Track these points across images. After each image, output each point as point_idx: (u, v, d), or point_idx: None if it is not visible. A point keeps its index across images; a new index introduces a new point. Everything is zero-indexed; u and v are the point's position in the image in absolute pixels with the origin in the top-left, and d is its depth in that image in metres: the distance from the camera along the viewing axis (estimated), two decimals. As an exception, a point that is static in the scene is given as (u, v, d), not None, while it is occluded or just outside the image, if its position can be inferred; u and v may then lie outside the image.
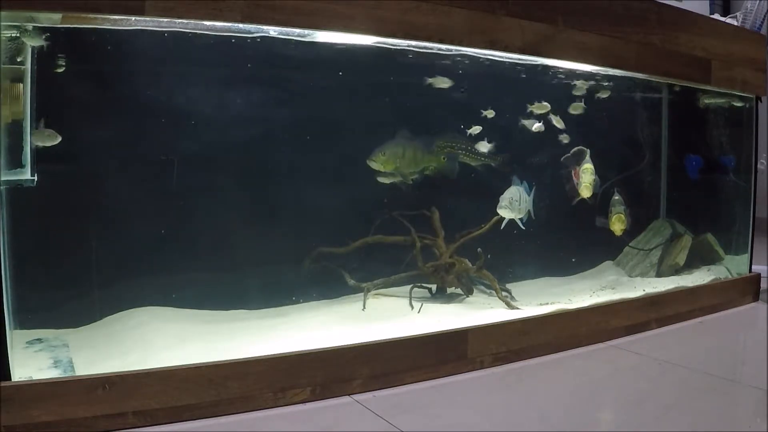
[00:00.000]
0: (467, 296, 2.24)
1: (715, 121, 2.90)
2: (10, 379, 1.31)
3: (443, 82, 2.08)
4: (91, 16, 1.42)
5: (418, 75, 2.10)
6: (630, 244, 2.79)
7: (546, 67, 2.18)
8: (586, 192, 2.25)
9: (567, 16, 1.95)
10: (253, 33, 1.62)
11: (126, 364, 1.44)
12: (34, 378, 1.36)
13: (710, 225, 2.83)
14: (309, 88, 2.10)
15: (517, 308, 2.08)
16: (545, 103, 2.24)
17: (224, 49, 1.74)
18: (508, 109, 2.29)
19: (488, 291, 2.27)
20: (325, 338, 1.66)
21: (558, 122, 2.27)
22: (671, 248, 2.73)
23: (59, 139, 1.56)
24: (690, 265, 2.70)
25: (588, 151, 2.31)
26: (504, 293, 2.19)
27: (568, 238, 2.58)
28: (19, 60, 1.55)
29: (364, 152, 2.07)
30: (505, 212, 2.08)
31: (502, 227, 2.13)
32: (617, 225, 2.36)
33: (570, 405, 1.58)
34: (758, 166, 2.70)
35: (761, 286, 2.67)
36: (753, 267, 2.71)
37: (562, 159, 2.33)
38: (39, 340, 1.68)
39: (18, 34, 1.47)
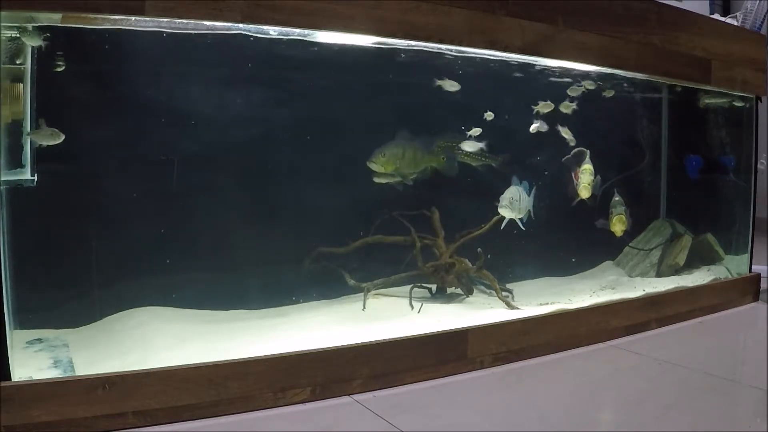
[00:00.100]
0: (467, 296, 2.24)
1: (715, 121, 2.91)
2: (10, 379, 1.31)
3: (451, 86, 2.08)
4: (91, 16, 1.42)
5: (418, 75, 2.10)
6: (630, 244, 2.79)
7: (545, 68, 2.19)
8: (584, 192, 2.25)
9: (567, 16, 1.95)
10: (252, 33, 1.62)
11: (126, 364, 1.44)
12: (34, 378, 1.36)
13: (710, 225, 2.83)
14: (309, 88, 2.10)
15: (517, 308, 2.08)
16: (549, 102, 2.24)
17: (224, 49, 1.74)
18: (508, 110, 2.29)
19: (488, 291, 2.27)
20: (325, 338, 1.66)
21: (566, 133, 2.27)
22: (671, 248, 2.73)
23: (62, 137, 1.56)
24: (690, 265, 2.70)
25: (588, 151, 2.31)
26: (505, 293, 2.19)
27: (568, 238, 2.58)
28: (18, 61, 1.55)
29: (364, 152, 2.07)
30: (506, 212, 2.08)
31: (502, 227, 2.13)
32: (618, 226, 2.36)
33: (570, 405, 1.58)
34: (758, 166, 2.70)
35: (761, 286, 2.67)
36: (753, 267, 2.71)
37: (563, 160, 2.33)
38: (39, 340, 1.68)
39: (18, 34, 1.47)
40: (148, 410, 1.37)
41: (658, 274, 2.66)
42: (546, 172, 2.41)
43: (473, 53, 1.91)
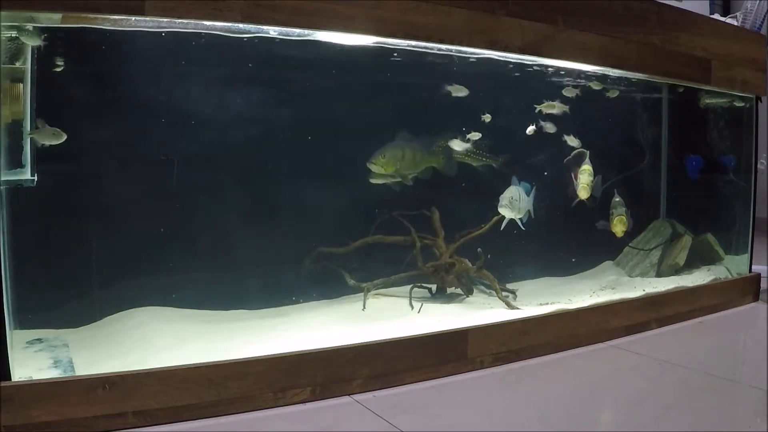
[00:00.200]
0: (467, 296, 2.24)
1: (715, 121, 2.90)
2: (10, 379, 1.31)
3: (460, 91, 2.08)
4: (91, 16, 1.42)
5: (418, 75, 2.10)
6: (630, 244, 2.79)
7: (546, 67, 2.19)
8: (583, 193, 2.25)
9: (567, 16, 1.95)
10: (252, 33, 1.62)
11: (126, 364, 1.44)
12: (34, 378, 1.36)
13: (710, 225, 2.83)
14: (308, 89, 2.10)
15: (517, 308, 2.08)
16: (552, 102, 2.24)
17: (224, 49, 1.74)
18: (508, 110, 2.29)
19: (488, 291, 2.28)
20: (325, 338, 1.66)
21: (572, 141, 2.27)
22: (671, 248, 2.73)
23: (64, 137, 1.56)
24: (690, 265, 2.70)
25: (587, 152, 2.31)
26: (505, 293, 2.19)
27: (568, 238, 2.58)
28: (18, 61, 1.55)
29: (364, 152, 2.07)
30: (506, 211, 2.08)
31: (502, 227, 2.13)
32: (619, 227, 2.36)
33: (570, 405, 1.58)
34: (758, 166, 2.70)
35: (761, 286, 2.67)
36: (753, 267, 2.71)
37: (564, 161, 2.33)
38: (39, 340, 1.68)
39: (17, 34, 1.47)
40: (148, 410, 1.37)
41: (658, 274, 2.66)
42: (546, 173, 2.41)
43: (473, 53, 1.91)
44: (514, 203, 2.07)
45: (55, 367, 1.49)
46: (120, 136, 1.84)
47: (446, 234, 2.24)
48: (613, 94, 2.43)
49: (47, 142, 1.56)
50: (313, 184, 2.12)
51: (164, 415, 1.38)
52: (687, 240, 2.73)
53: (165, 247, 1.90)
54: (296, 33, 1.65)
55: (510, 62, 2.02)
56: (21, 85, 1.58)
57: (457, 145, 2.16)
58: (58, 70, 1.69)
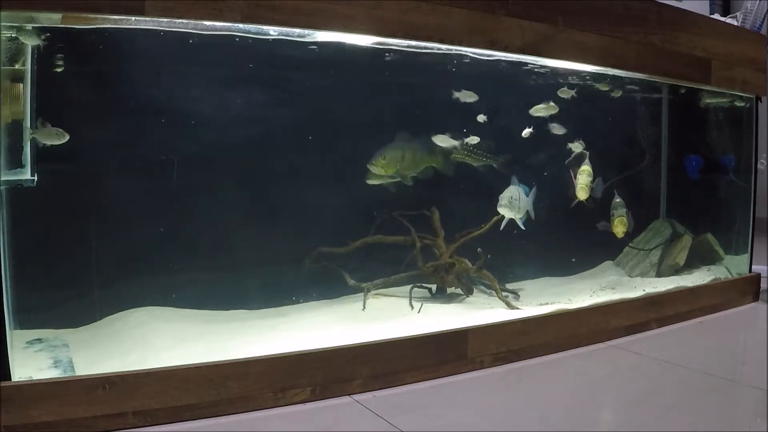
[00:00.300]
0: (467, 296, 2.24)
1: (715, 121, 2.90)
2: (10, 379, 1.31)
3: (469, 96, 2.08)
4: (91, 16, 1.42)
5: (418, 75, 2.10)
6: (630, 244, 2.79)
7: (547, 67, 2.19)
8: (582, 194, 2.25)
9: (567, 16, 1.95)
10: (252, 33, 1.62)
11: (126, 364, 1.44)
12: (34, 378, 1.36)
13: (710, 225, 2.83)
14: (309, 89, 2.10)
15: (517, 308, 2.08)
16: (552, 104, 2.24)
17: (224, 49, 1.74)
18: (508, 110, 2.29)
19: (488, 291, 2.27)
20: (325, 338, 1.66)
21: (577, 147, 2.27)
22: (671, 248, 2.73)
23: (67, 137, 1.56)
24: (690, 265, 2.70)
25: (587, 153, 2.31)
26: (505, 293, 2.19)
27: (568, 238, 2.58)
28: (18, 62, 1.55)
29: (364, 152, 2.07)
30: (505, 211, 2.08)
31: (501, 227, 2.13)
32: (620, 228, 2.36)
33: (570, 405, 1.58)
34: (758, 166, 2.70)
35: (761, 286, 2.67)
36: (753, 267, 2.71)
37: (566, 162, 2.33)
38: (39, 340, 1.68)
39: (16, 34, 1.47)
40: (148, 410, 1.37)
41: (658, 274, 2.66)
42: (545, 173, 2.41)
43: (472, 53, 1.91)
44: (513, 203, 2.07)
45: (55, 367, 1.49)
46: (120, 136, 1.84)
47: (446, 234, 2.24)
48: (616, 93, 2.43)
49: (50, 142, 1.56)
50: (313, 184, 2.12)
51: (164, 415, 1.38)
52: (687, 240, 2.73)
53: (165, 247, 1.90)
54: (296, 33, 1.65)
55: (510, 62, 2.02)
56: (21, 85, 1.58)
57: (442, 141, 2.15)
58: (58, 70, 1.69)
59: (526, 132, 2.23)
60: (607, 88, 2.36)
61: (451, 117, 2.24)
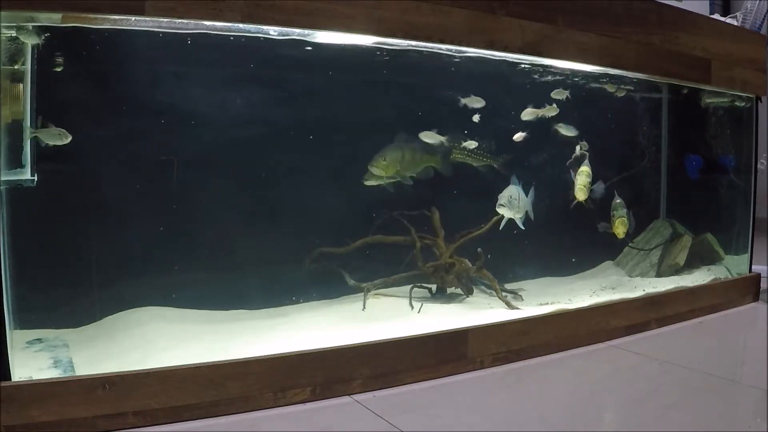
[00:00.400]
0: (467, 296, 2.24)
1: (715, 121, 2.90)
2: (10, 379, 1.31)
3: (477, 102, 2.08)
4: (91, 16, 1.42)
5: (418, 75, 2.10)
6: (630, 244, 2.79)
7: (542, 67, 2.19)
8: (580, 195, 2.25)
9: (567, 16, 1.95)
10: (253, 32, 1.62)
11: (126, 364, 1.43)
12: (34, 378, 1.36)
13: (710, 225, 2.83)
14: (309, 89, 2.10)
15: (517, 308, 2.08)
16: (553, 105, 2.24)
17: (225, 49, 1.74)
18: (507, 110, 2.29)
19: (488, 291, 2.27)
20: (325, 338, 1.66)
21: (580, 148, 2.27)
22: (671, 248, 2.73)
23: (70, 138, 1.56)
24: (690, 265, 2.70)
25: (587, 154, 2.31)
26: (505, 293, 2.19)
27: (568, 238, 2.58)
28: (18, 62, 1.55)
29: (365, 152, 2.07)
30: (504, 210, 2.08)
31: (501, 227, 2.13)
32: (620, 228, 2.36)
33: (570, 405, 1.58)
34: (758, 166, 2.70)
35: (761, 286, 2.67)
36: (753, 267, 2.71)
37: (567, 164, 2.33)
38: (39, 340, 1.68)
39: (15, 34, 1.47)
40: (148, 410, 1.37)
41: (658, 274, 2.66)
42: (545, 174, 2.40)
43: (472, 53, 1.91)
44: (512, 202, 2.07)
45: (55, 367, 1.49)
46: (120, 135, 1.84)
47: (446, 234, 2.24)
48: (620, 93, 2.43)
49: (52, 143, 1.56)
50: (313, 184, 2.12)
51: (164, 415, 1.38)
52: (687, 240, 2.73)
53: (165, 247, 1.90)
54: (296, 33, 1.65)
55: (510, 62, 2.02)
56: (21, 85, 1.58)
57: (430, 138, 2.15)
58: (58, 70, 1.69)
59: (519, 136, 2.23)
60: (613, 89, 2.35)
61: (451, 117, 2.24)
